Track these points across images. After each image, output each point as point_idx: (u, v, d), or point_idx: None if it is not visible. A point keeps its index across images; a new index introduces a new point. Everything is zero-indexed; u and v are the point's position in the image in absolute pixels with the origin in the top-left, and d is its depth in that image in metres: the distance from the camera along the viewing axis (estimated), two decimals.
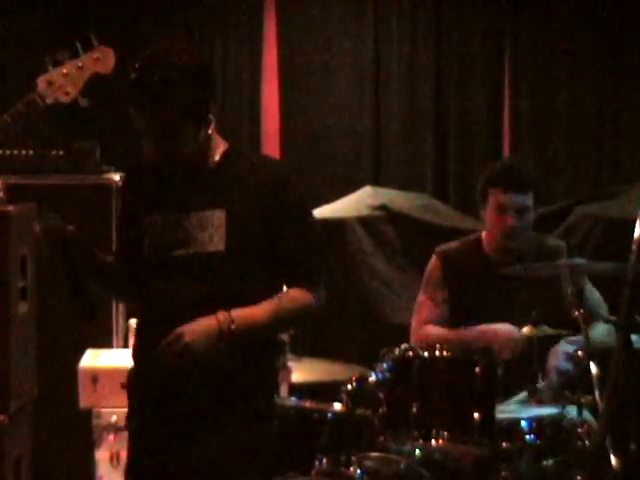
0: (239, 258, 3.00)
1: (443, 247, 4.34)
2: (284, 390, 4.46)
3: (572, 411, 3.77)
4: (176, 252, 3.02)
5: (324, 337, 5.27)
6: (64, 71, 3.32)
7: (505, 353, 3.89)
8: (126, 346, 5.11)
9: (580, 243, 5.23)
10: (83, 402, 4.96)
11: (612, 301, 4.12)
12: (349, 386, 3.78)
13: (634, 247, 2.56)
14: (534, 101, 6.05)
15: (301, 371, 4.34)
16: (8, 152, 4.59)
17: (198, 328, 2.92)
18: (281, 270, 3.11)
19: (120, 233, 3.35)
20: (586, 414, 3.82)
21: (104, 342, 5.23)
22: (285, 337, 4.51)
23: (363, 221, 5.50)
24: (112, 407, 4.85)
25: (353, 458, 3.70)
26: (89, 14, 5.93)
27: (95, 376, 4.91)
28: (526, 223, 4.17)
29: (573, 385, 3.89)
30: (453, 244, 4.34)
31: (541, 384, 3.88)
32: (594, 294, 4.27)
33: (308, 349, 4.82)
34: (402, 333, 4.30)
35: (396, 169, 6.13)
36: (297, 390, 4.42)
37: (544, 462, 3.72)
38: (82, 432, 5.02)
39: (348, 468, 3.67)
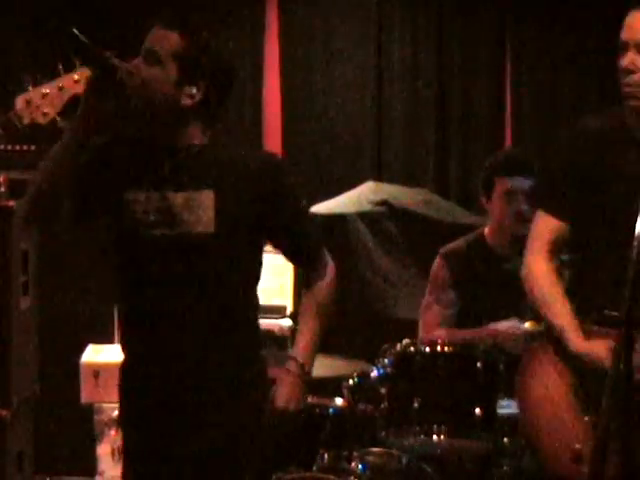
0: (227, 240, 2.97)
1: (447, 247, 4.31)
2: None
3: None
4: (159, 231, 2.96)
5: (326, 332, 5.30)
6: (43, 91, 3.17)
7: (514, 348, 3.89)
8: None
9: None
10: (85, 397, 5.01)
11: None
12: (351, 381, 3.79)
13: (635, 243, 2.51)
14: (535, 100, 6.06)
15: None
16: (10, 147, 4.61)
17: (291, 392, 3.06)
18: (290, 256, 3.16)
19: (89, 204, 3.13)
20: None
21: (105, 337, 5.23)
22: (287, 332, 4.53)
23: (365, 216, 5.49)
24: (114, 402, 4.69)
25: (355, 453, 3.71)
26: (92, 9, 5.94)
27: (97, 371, 4.96)
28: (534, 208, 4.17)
29: None
30: (456, 243, 4.32)
31: None
32: None
33: None
34: (404, 328, 4.29)
35: (397, 165, 6.15)
36: None
37: None
38: (84, 427, 5.06)
39: (350, 463, 3.68)
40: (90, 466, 5.09)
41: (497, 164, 4.23)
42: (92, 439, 5.04)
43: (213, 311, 2.97)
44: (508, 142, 6.12)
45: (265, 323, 3.81)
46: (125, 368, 3.09)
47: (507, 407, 3.70)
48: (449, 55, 6.13)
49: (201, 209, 2.95)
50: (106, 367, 4.92)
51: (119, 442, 4.76)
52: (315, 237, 3.18)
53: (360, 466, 3.67)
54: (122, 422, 3.15)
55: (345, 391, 3.80)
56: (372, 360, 3.83)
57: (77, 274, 5.42)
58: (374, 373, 3.73)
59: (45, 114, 3.15)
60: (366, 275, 5.46)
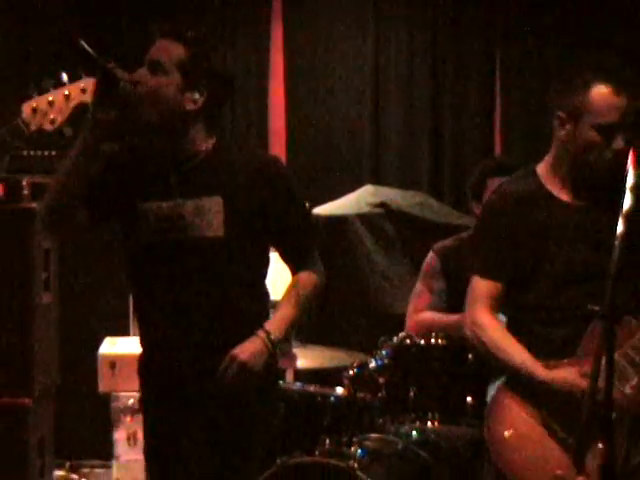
0: (237, 243, 3.07)
1: (439, 244, 4.37)
2: (290, 375, 4.58)
3: None
4: (172, 235, 3.05)
5: (327, 326, 5.34)
6: (49, 98, 3.15)
7: None
8: None
9: None
10: (102, 386, 5.10)
11: None
12: (350, 372, 3.85)
13: (616, 242, 2.58)
14: (524, 109, 6.06)
15: (306, 358, 4.35)
16: (32, 153, 4.63)
17: (248, 348, 3.03)
18: (282, 253, 3.22)
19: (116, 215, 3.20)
20: None
21: (121, 330, 5.35)
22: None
23: (363, 218, 5.53)
24: (129, 391, 5.00)
25: (354, 439, 3.77)
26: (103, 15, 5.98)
27: (113, 362, 5.06)
28: None
29: None
30: (448, 241, 4.38)
31: None
32: None
33: (312, 337, 4.81)
34: (400, 322, 4.32)
35: (394, 169, 6.16)
36: (302, 375, 4.53)
37: None
38: (101, 414, 5.17)
39: (349, 448, 3.71)
40: (107, 451, 5.20)
41: (489, 167, 4.30)
42: (109, 426, 5.12)
43: (223, 305, 3.08)
44: (498, 149, 6.11)
45: None
46: (143, 358, 3.22)
47: None
48: (442, 68, 6.13)
49: (211, 214, 3.05)
50: (122, 358, 5.02)
51: (134, 428, 4.98)
52: (311, 237, 3.25)
53: (359, 451, 3.71)
54: (143, 405, 3.25)
55: (345, 381, 3.85)
56: (371, 352, 3.89)
57: (95, 272, 5.53)
58: (372, 364, 3.81)
59: (52, 121, 3.15)
60: (365, 273, 5.50)
